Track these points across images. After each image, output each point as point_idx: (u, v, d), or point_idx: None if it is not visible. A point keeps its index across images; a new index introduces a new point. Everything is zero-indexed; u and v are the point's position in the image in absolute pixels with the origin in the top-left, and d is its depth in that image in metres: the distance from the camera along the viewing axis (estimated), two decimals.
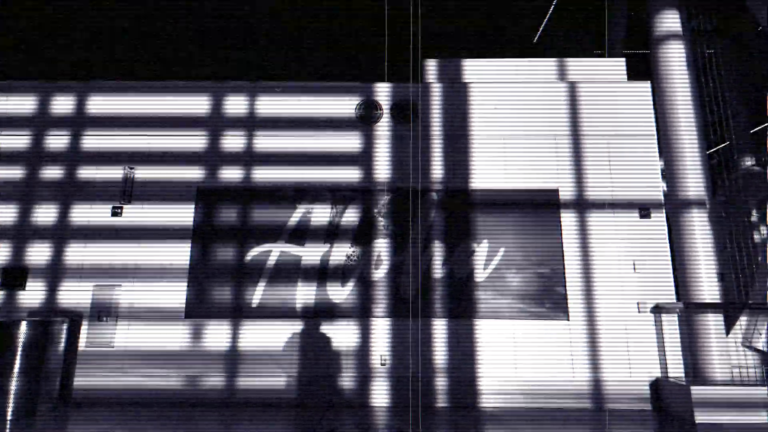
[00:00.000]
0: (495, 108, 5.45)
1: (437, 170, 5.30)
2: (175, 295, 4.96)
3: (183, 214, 5.19)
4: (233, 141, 5.43)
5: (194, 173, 5.32)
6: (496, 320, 4.87)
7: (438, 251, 5.04)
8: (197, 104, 5.51)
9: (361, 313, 4.90)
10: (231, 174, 5.32)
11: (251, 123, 5.47)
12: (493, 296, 4.91)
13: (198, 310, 4.93)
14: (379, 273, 5.00)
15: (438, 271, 4.99)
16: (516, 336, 4.85)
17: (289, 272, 5.01)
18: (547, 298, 4.92)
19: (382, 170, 5.30)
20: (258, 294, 4.95)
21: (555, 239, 5.06)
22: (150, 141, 5.39)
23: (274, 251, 5.07)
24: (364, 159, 5.36)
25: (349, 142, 5.40)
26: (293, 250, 5.07)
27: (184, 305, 4.93)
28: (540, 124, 5.41)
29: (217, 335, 4.86)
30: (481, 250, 5.03)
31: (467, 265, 4.99)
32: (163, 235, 5.13)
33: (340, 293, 4.95)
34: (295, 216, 5.18)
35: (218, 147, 5.41)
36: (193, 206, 5.21)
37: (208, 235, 5.13)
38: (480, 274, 4.97)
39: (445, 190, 5.21)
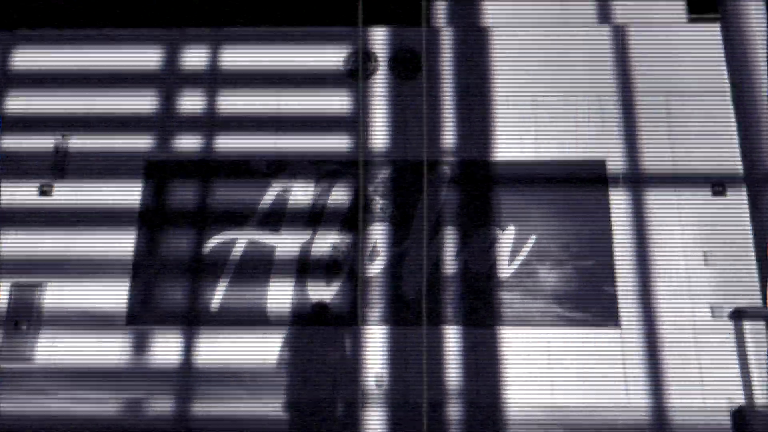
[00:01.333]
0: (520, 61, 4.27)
1: (449, 137, 4.16)
2: (114, 296, 3.89)
3: (127, 194, 4.10)
4: (191, 102, 4.31)
5: (142, 142, 4.22)
6: (526, 329, 3.75)
7: (450, 240, 3.92)
8: (146, 57, 4.39)
9: (351, 319, 3.80)
10: (188, 143, 4.22)
11: (213, 80, 4.34)
12: (522, 298, 3.78)
13: (144, 315, 3.85)
14: (375, 268, 3.89)
15: (450, 265, 3.87)
16: (551, 349, 3.73)
17: (259, 267, 3.91)
18: (592, 299, 3.79)
19: (380, 138, 4.17)
20: (219, 295, 3.87)
21: (601, 224, 3.92)
22: (88, 103, 4.29)
23: (241, 240, 3.97)
24: (355, 124, 4.23)
25: (337, 102, 4.27)
26: (265, 238, 3.97)
27: (125, 309, 3.86)
28: (580, 79, 4.24)
29: (167, 348, 3.79)
30: (506, 238, 3.90)
31: (488, 258, 3.87)
32: (101, 221, 4.05)
33: (325, 294, 3.85)
34: (269, 195, 4.07)
35: (173, 109, 4.29)
36: (140, 184, 4.11)
37: (158, 220, 4.04)
38: (504, 270, 3.84)
39: (459, 163, 4.08)
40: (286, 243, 3.96)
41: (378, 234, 3.96)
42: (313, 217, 4.01)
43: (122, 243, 4.00)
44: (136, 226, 4.03)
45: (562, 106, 4.20)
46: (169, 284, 3.89)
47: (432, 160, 4.09)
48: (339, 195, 4.05)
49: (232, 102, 4.31)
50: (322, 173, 4.11)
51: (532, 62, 4.29)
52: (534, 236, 3.90)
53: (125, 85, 4.32)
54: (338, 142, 4.18)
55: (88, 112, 4.28)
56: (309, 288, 3.86)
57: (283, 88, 4.31)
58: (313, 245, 3.95)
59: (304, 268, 3.90)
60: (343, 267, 3.90)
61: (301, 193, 4.07)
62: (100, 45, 4.40)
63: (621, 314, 3.78)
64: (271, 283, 3.88)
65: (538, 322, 3.76)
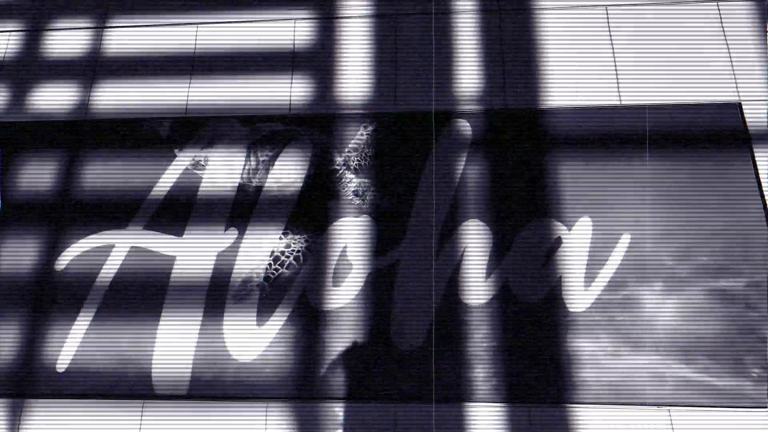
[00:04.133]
0: None
1: (470, 76, 2.49)
2: None
3: None
4: (63, 35, 2.74)
5: None
6: (623, 408, 1.98)
7: (477, 244, 2.21)
8: None
9: (297, 391, 2.09)
10: (51, 94, 2.63)
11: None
12: (612, 346, 2.03)
13: None
14: (342, 294, 2.19)
15: (477, 289, 2.15)
16: None
17: (144, 293, 2.25)
18: (748, 353, 2.01)
19: (355, 79, 2.53)
20: (71, 346, 2.21)
21: (751, 210, 2.16)
22: None
23: (119, 248, 2.33)
24: (314, 56, 2.60)
25: (283, 25, 2.66)
26: (158, 244, 2.32)
27: None
28: None
29: None
30: (577, 239, 2.17)
31: (545, 276, 2.14)
32: None
33: (253, 343, 2.16)
34: (169, 175, 2.43)
35: (35, 47, 2.73)
36: None
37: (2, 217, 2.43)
38: (577, 297, 2.10)
39: (488, 113, 2.40)
40: (194, 251, 2.29)
41: (350, 234, 2.27)
42: (242, 207, 2.35)
43: None
44: None
45: (660, 16, 2.50)
46: (1, 324, 2.26)
47: (442, 110, 2.42)
48: (287, 170, 2.39)
49: (121, 33, 2.73)
50: (261, 136, 2.47)
51: None
52: (628, 235, 2.16)
53: None
54: (285, 87, 2.55)
55: None
56: (226, 331, 2.17)
57: (200, 11, 2.72)
58: (240, 253, 2.27)
59: (219, 294, 2.22)
60: (288, 292, 2.20)
61: (222, 170, 2.43)
62: None
63: None
64: (161, 323, 2.20)
65: (650, 397, 1.99)
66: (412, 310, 2.11)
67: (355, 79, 2.53)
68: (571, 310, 2.07)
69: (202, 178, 2.41)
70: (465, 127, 2.38)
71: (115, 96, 2.61)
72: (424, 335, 2.08)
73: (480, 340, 2.05)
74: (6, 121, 2.59)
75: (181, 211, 2.35)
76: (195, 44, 2.67)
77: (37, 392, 2.14)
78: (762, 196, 2.14)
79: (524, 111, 2.38)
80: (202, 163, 2.44)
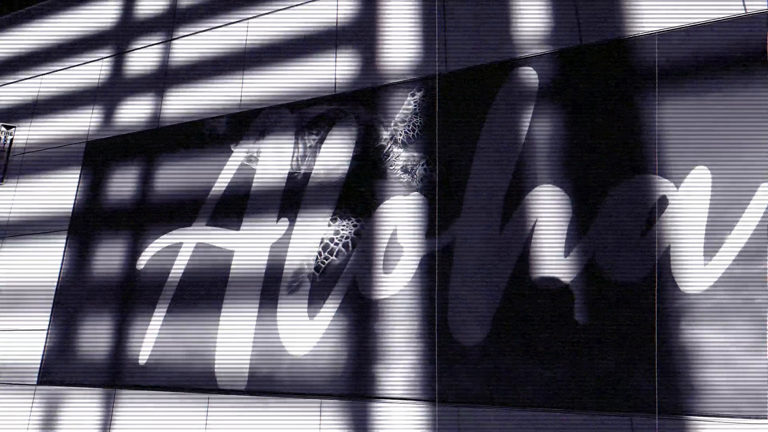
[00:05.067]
0: None
1: (532, 16, 2.06)
2: (30, 342, 2.63)
3: (63, 192, 2.87)
4: (137, 54, 2.96)
5: (82, 118, 2.99)
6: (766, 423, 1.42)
7: (550, 212, 1.79)
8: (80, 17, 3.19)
9: (350, 388, 1.91)
10: (131, 109, 2.85)
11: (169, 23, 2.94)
12: (749, 338, 1.46)
13: (58, 370, 2.50)
14: (393, 281, 1.96)
15: (552, 269, 1.74)
16: None
17: (209, 288, 2.28)
18: None
19: (399, 46, 2.27)
20: (150, 340, 2.32)
21: None
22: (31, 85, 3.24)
23: (187, 243, 2.40)
24: (358, 30, 2.40)
25: (327, 3, 2.50)
26: (219, 239, 2.34)
27: (39, 362, 2.56)
28: None
29: (80, 416, 2.36)
30: (688, 195, 1.63)
31: (646, 248, 1.64)
32: (32, 229, 2.88)
33: (306, 337, 2.04)
34: (227, 170, 2.44)
35: (118, 69, 2.99)
36: (77, 174, 2.85)
37: (91, 223, 2.70)
38: (694, 273, 1.57)
39: (560, 55, 1.95)
40: (249, 244, 2.26)
41: (400, 215, 2.02)
42: (291, 197, 2.25)
43: (49, 259, 2.74)
44: (66, 238, 2.75)
45: None
46: (93, 321, 2.48)
47: (502, 60, 2.04)
48: (331, 153, 2.24)
49: (184, 42, 2.84)
50: (307, 121, 2.35)
51: None
52: None
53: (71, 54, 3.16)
54: (329, 67, 2.39)
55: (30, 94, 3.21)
56: (280, 324, 2.08)
57: (246, 8, 2.69)
58: (291, 244, 2.18)
59: (273, 286, 2.15)
60: (338, 281, 2.04)
61: (273, 160, 2.36)
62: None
63: None
64: (222, 318, 2.20)
65: None
66: (471, 297, 1.79)
67: (399, 46, 2.27)
68: (685, 290, 1.55)
69: (255, 170, 2.37)
70: (530, 75, 1.97)
71: (181, 102, 2.72)
72: (489, 326, 1.74)
73: (558, 332, 1.65)
74: (97, 139, 2.86)
75: (238, 205, 2.34)
76: (246, 39, 2.66)
77: (125, 383, 2.28)
78: None
79: (605, 45, 1.89)
80: (255, 155, 2.40)
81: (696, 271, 1.55)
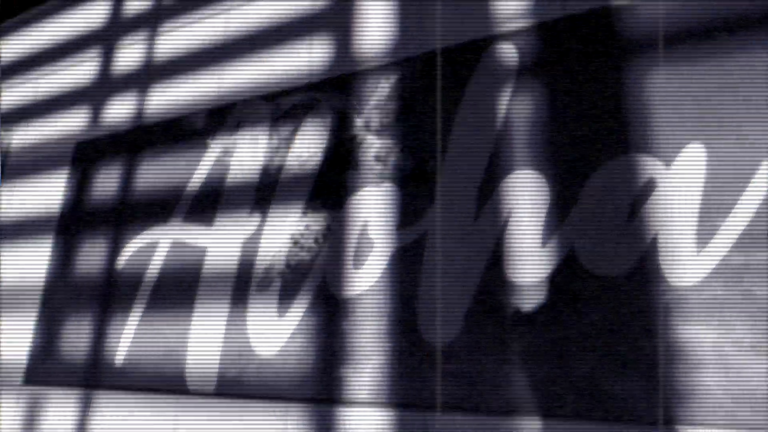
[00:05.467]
0: None
1: None
2: (17, 342, 2.63)
3: (50, 193, 2.88)
4: (123, 57, 2.94)
5: (72, 119, 2.99)
6: None
7: (526, 200, 1.63)
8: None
9: (317, 392, 1.79)
10: (119, 109, 2.83)
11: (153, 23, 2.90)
12: (750, 337, 1.27)
13: (41, 370, 2.49)
14: (363, 278, 1.83)
15: (528, 261, 1.58)
16: None
17: (178, 289, 2.22)
18: None
19: (375, 28, 2.15)
20: (127, 340, 2.27)
21: None
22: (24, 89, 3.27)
23: (163, 242, 2.34)
24: (333, 15, 2.29)
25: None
26: (191, 235, 2.27)
27: (25, 363, 2.56)
28: None
29: (58, 417, 2.33)
30: (679, 176, 1.44)
31: (631, 237, 1.46)
32: (20, 233, 2.90)
33: (274, 337, 1.93)
34: (204, 164, 2.38)
35: (108, 69, 2.98)
36: (65, 175, 2.86)
37: (75, 226, 2.69)
38: (685, 264, 1.38)
39: (539, 28, 1.79)
40: (221, 241, 2.18)
41: (368, 208, 1.90)
42: (264, 191, 2.16)
43: (38, 260, 2.75)
44: (53, 238, 2.74)
45: None
46: (76, 322, 2.46)
47: (481, 37, 1.89)
48: (304, 144, 2.13)
49: (167, 38, 2.79)
50: (281, 112, 2.25)
51: None
52: None
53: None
54: (302, 56, 2.29)
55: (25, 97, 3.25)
56: (249, 324, 1.99)
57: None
58: (262, 240, 2.08)
59: (244, 284, 2.06)
60: (305, 280, 1.93)
61: (248, 153, 2.27)
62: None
63: None
64: (194, 317, 2.13)
65: None
66: (441, 293, 1.65)
67: (376, 28, 2.15)
68: (675, 283, 1.37)
69: (230, 164, 2.29)
70: (509, 51, 1.81)
71: (165, 98, 2.67)
72: (460, 325, 1.60)
73: (533, 330, 1.49)
74: (86, 139, 2.85)
75: (212, 200, 2.27)
76: (226, 30, 2.59)
77: (102, 384, 2.24)
78: None
79: (589, 14, 1.71)
80: (231, 149, 2.32)
81: (687, 262, 1.37)
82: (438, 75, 1.90)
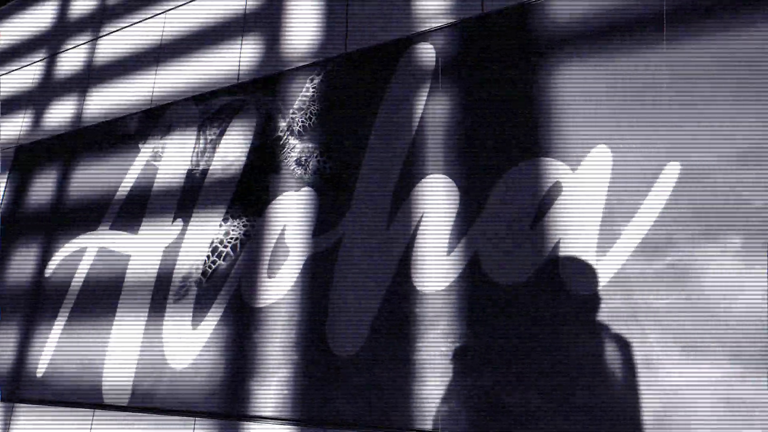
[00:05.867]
0: None
1: None
2: None
3: None
4: (67, 56, 2.88)
5: (14, 123, 2.93)
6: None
7: (436, 206, 1.56)
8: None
9: (225, 406, 1.72)
10: (59, 113, 2.76)
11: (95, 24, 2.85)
12: (659, 348, 1.19)
13: None
14: (277, 286, 1.76)
15: (433, 269, 1.51)
16: None
17: (101, 298, 2.14)
18: None
19: (303, 29, 2.09)
20: (49, 351, 2.20)
21: None
22: None
23: (90, 248, 2.27)
24: (263, 16, 2.23)
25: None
26: (116, 242, 2.20)
27: None
28: None
29: None
30: (584, 179, 1.37)
31: (533, 243, 1.39)
32: None
33: (187, 349, 1.86)
34: (134, 169, 2.31)
35: (52, 68, 2.92)
36: (4, 180, 2.79)
37: (10, 231, 2.62)
38: (586, 270, 1.31)
39: (459, 27, 1.72)
40: (144, 248, 2.11)
41: (287, 215, 1.83)
42: (188, 196, 2.09)
43: None
44: None
45: None
46: (2, 331, 2.38)
47: (402, 37, 1.82)
48: (230, 146, 2.07)
49: (107, 40, 2.73)
50: (210, 113, 2.19)
51: None
52: (676, 165, 1.29)
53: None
54: (233, 57, 2.23)
55: None
56: (165, 336, 1.92)
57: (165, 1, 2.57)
58: (182, 248, 2.01)
59: (162, 292, 1.98)
60: (222, 287, 1.86)
61: (176, 156, 2.21)
62: None
63: None
64: (114, 328, 2.05)
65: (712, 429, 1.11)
66: (352, 301, 1.58)
67: (303, 28, 2.09)
68: (575, 291, 1.30)
69: (158, 168, 2.22)
70: (427, 51, 1.75)
71: (103, 101, 2.61)
72: (365, 335, 1.52)
73: (435, 342, 1.42)
74: (26, 143, 2.78)
75: (138, 206, 2.20)
76: (162, 32, 2.53)
77: (23, 397, 2.16)
78: None
79: (507, 12, 1.65)
80: (160, 152, 2.25)
81: (588, 269, 1.30)
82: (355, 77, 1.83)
